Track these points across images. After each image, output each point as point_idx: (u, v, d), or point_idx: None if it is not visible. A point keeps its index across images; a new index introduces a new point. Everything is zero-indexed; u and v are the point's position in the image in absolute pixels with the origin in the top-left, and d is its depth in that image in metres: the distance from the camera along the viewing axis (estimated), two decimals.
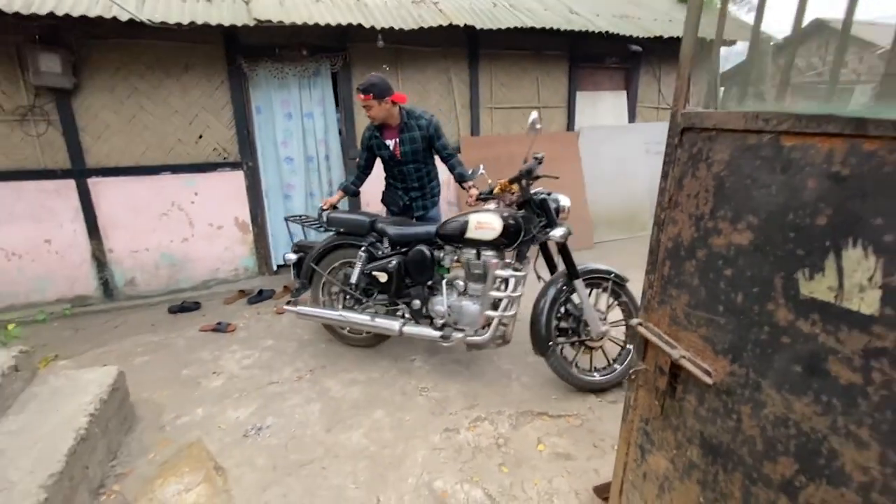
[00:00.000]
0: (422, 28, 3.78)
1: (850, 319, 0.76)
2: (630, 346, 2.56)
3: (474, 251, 2.57)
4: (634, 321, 1.30)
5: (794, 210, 0.84)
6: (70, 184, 3.56)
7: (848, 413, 0.77)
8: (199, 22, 3.13)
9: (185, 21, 3.11)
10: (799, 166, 0.83)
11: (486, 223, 2.48)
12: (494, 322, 2.51)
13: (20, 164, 3.44)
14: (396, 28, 3.70)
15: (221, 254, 4.09)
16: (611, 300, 2.63)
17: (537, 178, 2.51)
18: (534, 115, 2.44)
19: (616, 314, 2.66)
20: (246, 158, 4.01)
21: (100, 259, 3.74)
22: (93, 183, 3.61)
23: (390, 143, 2.90)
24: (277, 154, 4.19)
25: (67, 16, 2.88)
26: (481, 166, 2.78)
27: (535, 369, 2.85)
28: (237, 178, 4.02)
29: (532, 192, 2.51)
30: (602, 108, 5.65)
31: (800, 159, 0.82)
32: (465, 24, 3.95)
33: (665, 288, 1.20)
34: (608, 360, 2.66)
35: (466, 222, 2.51)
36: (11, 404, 2.08)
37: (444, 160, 3.00)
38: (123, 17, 2.96)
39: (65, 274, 3.68)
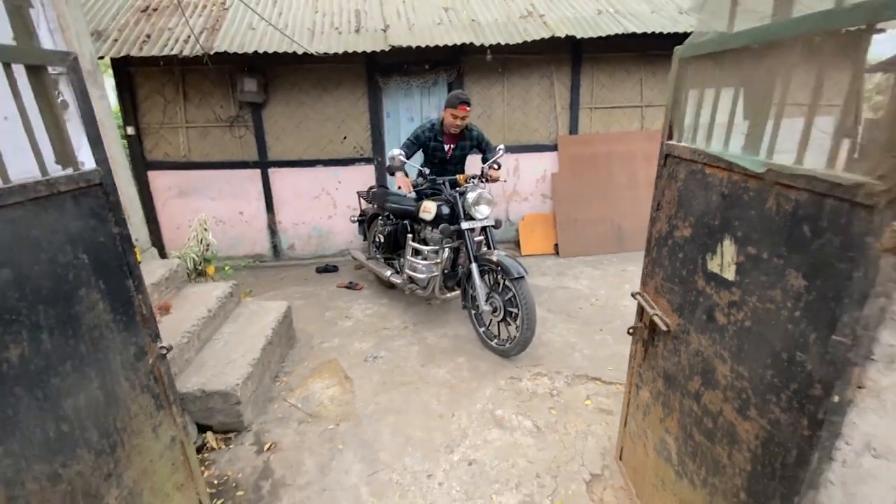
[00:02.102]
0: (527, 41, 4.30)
1: (724, 284, 1.22)
2: (515, 335, 3.01)
3: (429, 227, 3.41)
4: (634, 291, 1.78)
5: (707, 214, 1.30)
6: (257, 172, 4.88)
7: (720, 343, 1.23)
8: (351, 51, 4.09)
9: (341, 51, 4.09)
10: (711, 186, 1.28)
11: (427, 208, 3.35)
12: (431, 280, 3.39)
13: (228, 157, 4.83)
14: (503, 43, 4.27)
15: (354, 230, 5.15)
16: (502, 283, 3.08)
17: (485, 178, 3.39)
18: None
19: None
20: (377, 155, 4.99)
21: (272, 228, 5.06)
22: (271, 172, 4.90)
23: (447, 147, 3.51)
24: None
25: (265, 52, 4.03)
26: (501, 147, 3.45)
27: (597, 344, 3.29)
28: (369, 171, 5.02)
29: (463, 187, 3.28)
30: None
31: (711, 182, 1.28)
32: (567, 35, 4.36)
33: (653, 267, 1.67)
34: (508, 335, 3.13)
35: (420, 206, 3.40)
36: (229, 316, 3.22)
37: (486, 159, 3.63)
38: (300, 52, 4.02)
39: (250, 237, 5.06)
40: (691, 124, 1.40)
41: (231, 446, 2.48)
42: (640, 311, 1.76)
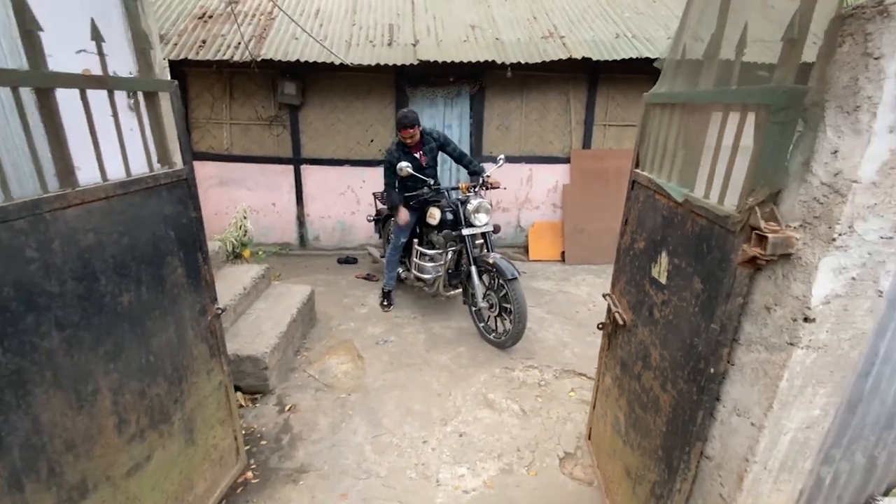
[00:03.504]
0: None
1: (660, 286, 1.54)
2: (509, 328, 3.36)
3: (434, 231, 3.77)
4: (604, 293, 2.09)
5: (654, 231, 1.62)
6: (290, 168, 5.34)
7: (655, 333, 1.55)
8: (383, 63, 4.49)
9: (374, 63, 4.49)
10: (658, 209, 1.60)
11: (433, 214, 3.69)
12: (436, 279, 3.81)
13: (265, 153, 5.29)
14: (523, 62, 4.60)
15: (374, 226, 5.55)
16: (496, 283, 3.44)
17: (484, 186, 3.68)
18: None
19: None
20: None
21: (301, 220, 5.50)
22: (303, 168, 5.34)
23: (417, 155, 3.72)
24: None
25: (306, 61, 4.46)
26: (501, 157, 3.75)
27: (588, 344, 3.59)
28: None
29: (465, 195, 3.61)
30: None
31: (658, 206, 1.60)
32: (584, 57, 4.66)
33: (619, 273, 1.99)
34: (504, 329, 3.48)
35: (426, 212, 3.76)
36: (260, 295, 3.64)
37: (457, 160, 3.84)
38: (337, 62, 4.44)
39: (280, 227, 5.52)
40: (650, 157, 1.72)
41: (257, 405, 2.88)
42: (609, 309, 2.08)
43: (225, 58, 4.47)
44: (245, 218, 3.78)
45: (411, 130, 3.53)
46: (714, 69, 1.29)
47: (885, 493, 1.66)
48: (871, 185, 0.90)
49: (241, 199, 4.96)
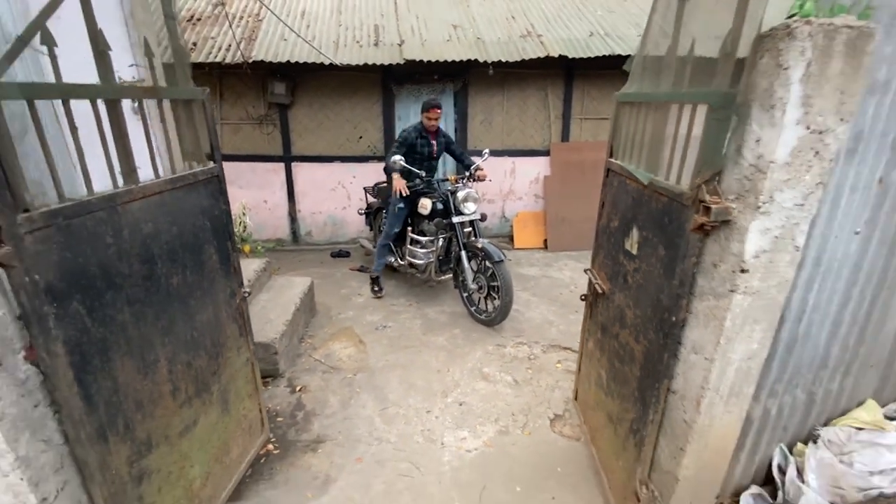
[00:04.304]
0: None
1: (632, 256, 1.82)
2: (497, 305, 3.65)
3: (426, 220, 4.01)
4: (586, 268, 2.38)
5: (627, 211, 1.90)
6: (281, 165, 5.49)
7: (629, 297, 1.84)
8: (370, 63, 4.68)
9: (362, 62, 4.68)
10: (629, 192, 1.88)
11: (424, 204, 3.92)
12: (428, 265, 4.06)
13: (256, 151, 5.43)
14: (504, 60, 4.86)
15: (364, 219, 5.75)
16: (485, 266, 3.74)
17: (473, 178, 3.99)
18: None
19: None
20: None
21: (293, 216, 5.66)
22: (294, 166, 5.50)
23: (434, 142, 4.00)
24: None
25: (296, 62, 4.62)
26: (486, 151, 4.06)
27: (571, 322, 3.90)
28: (381, 168, 5.60)
29: (454, 186, 3.87)
30: None
31: (629, 189, 1.88)
32: (560, 54, 4.94)
33: (598, 250, 2.27)
34: (493, 308, 3.76)
35: (418, 202, 3.96)
36: (263, 287, 3.83)
37: (456, 156, 4.23)
38: (326, 62, 4.62)
39: (273, 223, 5.67)
40: (622, 148, 2.00)
41: (269, 387, 3.08)
42: (590, 282, 2.37)
43: (217, 60, 4.60)
44: (244, 214, 3.95)
45: (438, 111, 3.81)
46: (672, 73, 1.57)
47: (825, 424, 2.00)
48: (785, 164, 1.19)
49: (233, 197, 5.03)
